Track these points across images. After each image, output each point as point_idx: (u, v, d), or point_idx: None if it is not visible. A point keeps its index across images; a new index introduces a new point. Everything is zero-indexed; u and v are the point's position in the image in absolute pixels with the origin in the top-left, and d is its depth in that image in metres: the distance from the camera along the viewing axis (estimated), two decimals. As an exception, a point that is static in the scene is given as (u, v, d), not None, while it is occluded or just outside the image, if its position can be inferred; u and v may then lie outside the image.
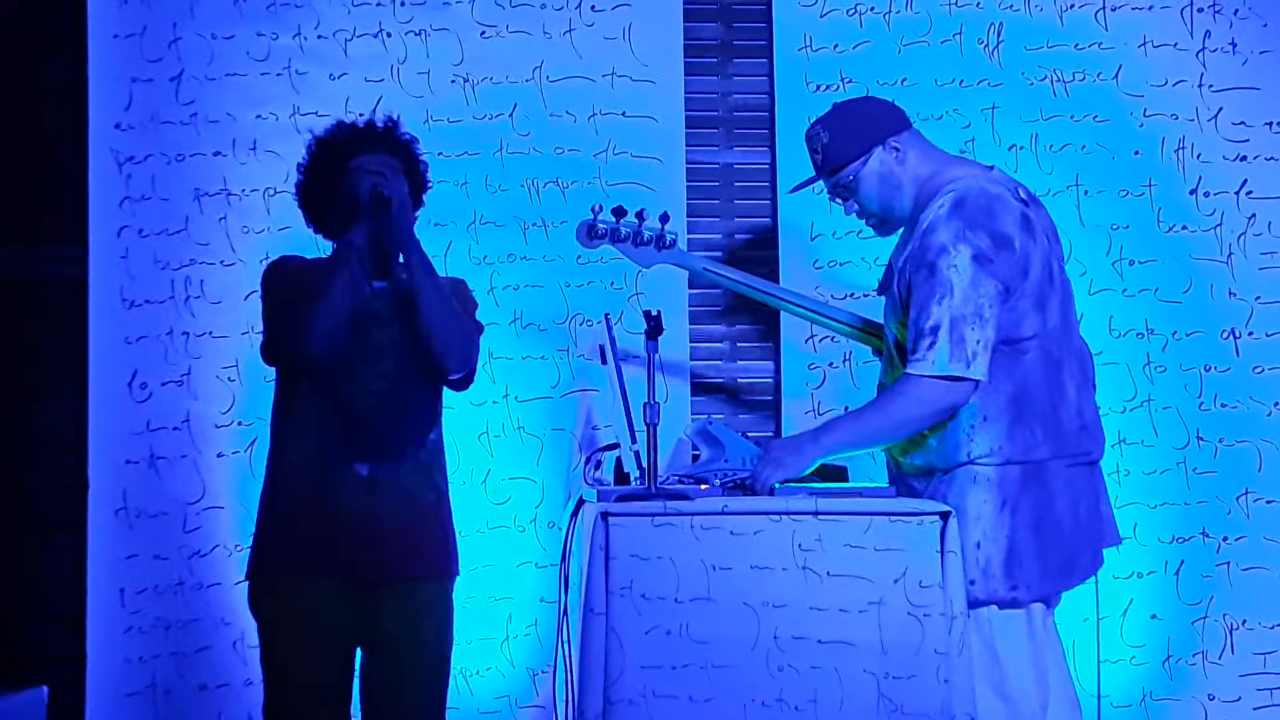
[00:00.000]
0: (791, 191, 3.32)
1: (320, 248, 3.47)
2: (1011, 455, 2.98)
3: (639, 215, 3.33)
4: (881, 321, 3.32)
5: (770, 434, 3.93)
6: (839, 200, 3.20)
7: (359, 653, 3.10)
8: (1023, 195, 3.10)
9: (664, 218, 3.35)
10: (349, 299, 3.00)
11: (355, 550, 3.01)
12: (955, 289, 2.94)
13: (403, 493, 3.05)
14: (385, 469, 3.03)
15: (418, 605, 3.06)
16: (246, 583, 3.11)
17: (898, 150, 3.11)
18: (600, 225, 3.32)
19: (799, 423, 3.88)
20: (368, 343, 3.06)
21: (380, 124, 3.17)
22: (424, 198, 3.24)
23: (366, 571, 3.02)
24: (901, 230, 3.18)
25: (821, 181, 3.21)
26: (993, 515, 2.96)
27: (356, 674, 3.11)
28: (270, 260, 3.22)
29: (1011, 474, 2.98)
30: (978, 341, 2.94)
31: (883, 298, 3.26)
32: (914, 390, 2.96)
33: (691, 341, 3.95)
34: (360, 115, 3.59)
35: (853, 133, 3.12)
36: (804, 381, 3.91)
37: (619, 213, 3.31)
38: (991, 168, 3.16)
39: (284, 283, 3.10)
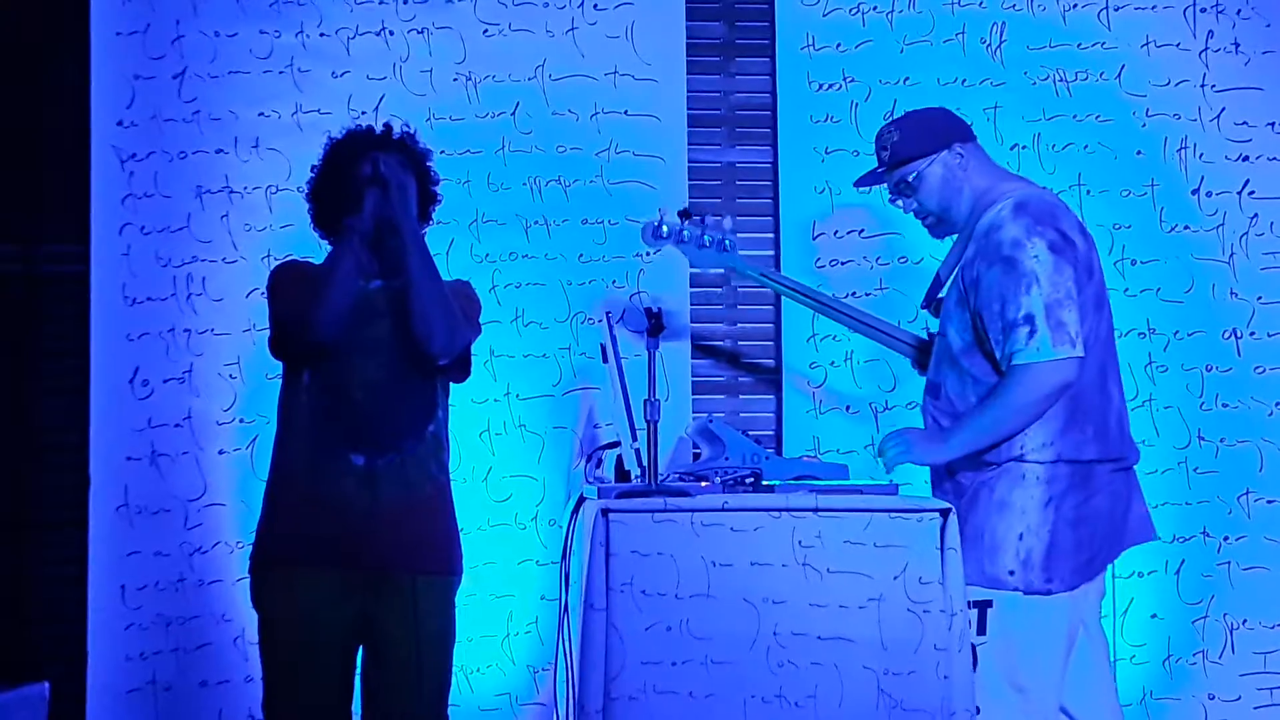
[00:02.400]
0: (856, 185, 3.36)
1: (323, 249, 3.48)
2: (1062, 453, 3.03)
3: (702, 220, 3.37)
4: (923, 335, 3.35)
5: (771, 432, 3.94)
6: (898, 200, 3.26)
7: (361, 651, 3.09)
8: (1071, 213, 3.18)
9: (725, 220, 3.39)
10: (355, 278, 3.02)
11: (351, 542, 3.01)
12: (1041, 276, 3.00)
13: (399, 484, 3.05)
14: (381, 460, 3.03)
15: (417, 600, 3.05)
16: (249, 577, 3.11)
17: (962, 156, 3.20)
18: (666, 226, 3.36)
19: (800, 421, 3.88)
20: (366, 336, 3.06)
21: (396, 132, 3.17)
22: (431, 212, 3.23)
23: (363, 563, 3.02)
24: (954, 238, 3.22)
25: (885, 179, 3.26)
26: (1038, 510, 3.01)
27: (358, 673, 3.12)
28: (278, 262, 3.22)
29: (1060, 472, 3.03)
30: (1076, 321, 3.00)
31: (926, 313, 3.32)
32: (1026, 378, 3.00)
33: (693, 339, 3.95)
34: (364, 114, 3.61)
35: (922, 133, 3.21)
36: (805, 380, 3.91)
37: (684, 215, 3.36)
38: (1045, 188, 3.23)
39: (293, 280, 3.10)
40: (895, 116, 3.32)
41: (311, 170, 3.20)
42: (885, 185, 3.27)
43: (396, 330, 3.08)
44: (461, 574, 3.15)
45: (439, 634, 3.07)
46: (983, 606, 2.96)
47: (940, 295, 3.24)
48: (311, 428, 3.05)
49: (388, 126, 3.19)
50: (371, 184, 3.05)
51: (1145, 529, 3.18)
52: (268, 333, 3.14)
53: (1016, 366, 3.01)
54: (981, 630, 2.96)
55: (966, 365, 3.11)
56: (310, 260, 3.25)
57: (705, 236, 3.36)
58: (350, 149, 3.14)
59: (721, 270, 3.50)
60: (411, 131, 3.20)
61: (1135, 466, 3.16)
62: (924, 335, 3.42)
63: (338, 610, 3.01)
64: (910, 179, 3.20)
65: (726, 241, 3.37)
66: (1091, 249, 3.13)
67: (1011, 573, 2.98)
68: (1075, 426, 3.05)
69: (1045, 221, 3.05)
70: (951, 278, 3.18)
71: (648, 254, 3.86)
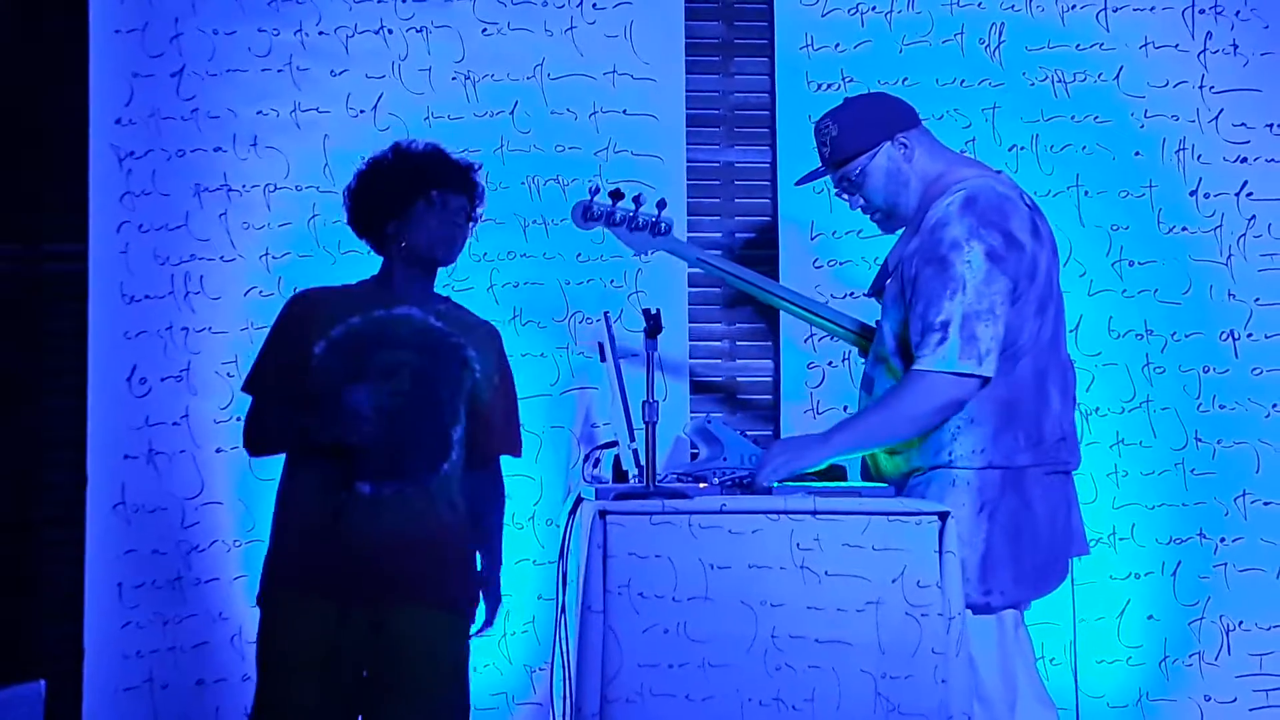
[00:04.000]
0: (798, 184, 3.30)
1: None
2: (993, 459, 2.96)
3: (636, 200, 3.30)
4: (871, 324, 3.30)
5: (769, 433, 3.94)
6: (844, 195, 3.18)
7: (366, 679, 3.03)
8: (1028, 202, 3.08)
9: (661, 204, 3.33)
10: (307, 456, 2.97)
11: (356, 570, 2.94)
12: (968, 284, 2.91)
13: (406, 516, 2.96)
14: (389, 488, 2.97)
15: (427, 635, 2.98)
16: (257, 607, 3.04)
17: (905, 147, 3.10)
18: (596, 207, 3.29)
19: (798, 422, 3.88)
20: (381, 361, 2.99)
21: (463, 165, 3.10)
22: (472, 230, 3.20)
23: (367, 593, 2.94)
24: (902, 230, 3.17)
25: (828, 175, 3.19)
26: (970, 519, 2.94)
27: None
28: (296, 293, 3.11)
29: (991, 478, 2.97)
30: (991, 339, 2.91)
31: (873, 299, 3.25)
32: (923, 385, 2.93)
33: (691, 340, 3.95)
34: (363, 113, 3.58)
35: (862, 127, 3.10)
36: (803, 380, 3.91)
37: (616, 195, 3.28)
38: (999, 172, 3.15)
39: (290, 323, 3.02)
40: (833, 107, 3.21)
41: (366, 164, 3.09)
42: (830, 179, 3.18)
43: (416, 361, 3.00)
44: (473, 615, 3.11)
45: (450, 670, 3.01)
46: None
47: (889, 284, 3.14)
48: (319, 453, 2.99)
49: (462, 161, 3.09)
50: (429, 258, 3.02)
51: (1081, 541, 3.10)
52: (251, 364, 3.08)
53: (915, 372, 2.92)
54: None
55: (896, 365, 3.04)
56: (327, 287, 3.12)
57: (639, 218, 3.28)
58: (420, 171, 3.04)
59: (669, 263, 3.39)
60: (478, 165, 3.12)
61: (1074, 473, 3.09)
62: (871, 324, 3.36)
63: (341, 639, 2.93)
64: (854, 176, 3.11)
65: (662, 224, 3.29)
66: (1043, 248, 3.01)
67: None
68: (1008, 433, 2.97)
69: (991, 222, 2.95)
70: (897, 269, 3.08)
71: (646, 254, 3.85)
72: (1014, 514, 2.97)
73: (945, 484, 2.97)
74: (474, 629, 3.13)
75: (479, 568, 3.14)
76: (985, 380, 2.93)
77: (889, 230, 3.20)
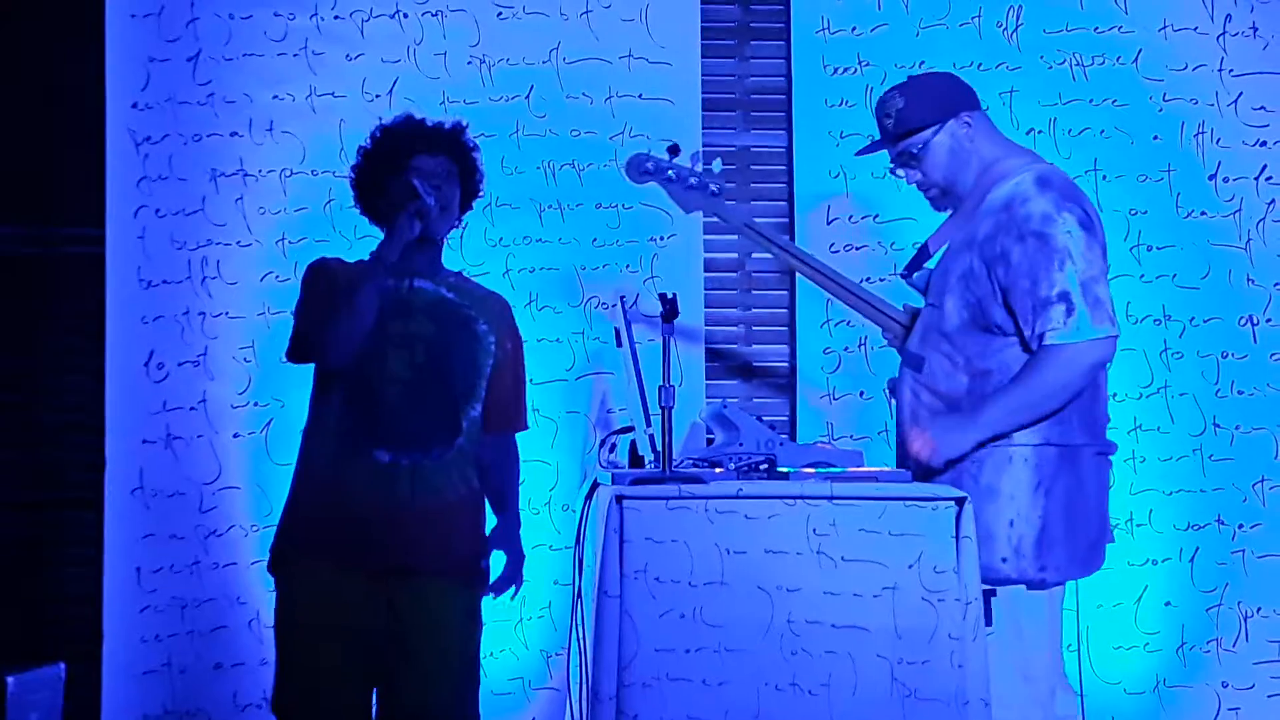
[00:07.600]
0: (859, 154, 3.29)
1: (351, 247, 3.47)
2: (1050, 437, 2.98)
3: (692, 157, 3.27)
4: (900, 307, 3.29)
5: (785, 418, 3.93)
6: (900, 171, 3.16)
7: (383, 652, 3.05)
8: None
9: (717, 165, 3.30)
10: (374, 313, 2.96)
11: (371, 540, 2.96)
12: (1074, 253, 2.94)
13: (423, 487, 2.99)
14: (406, 459, 2.99)
15: (441, 605, 3.00)
16: (272, 572, 3.07)
17: (969, 126, 3.10)
18: (652, 162, 3.26)
19: (813, 407, 3.87)
20: (397, 332, 2.99)
21: (447, 126, 3.12)
22: (471, 205, 3.20)
23: (383, 562, 2.97)
24: (948, 214, 3.16)
25: (888, 148, 3.16)
26: (1028, 495, 2.97)
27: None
28: (313, 261, 3.15)
29: (1048, 455, 2.98)
30: (1109, 298, 2.95)
31: (905, 281, 3.24)
32: (1063, 358, 2.93)
33: (707, 325, 3.94)
34: (378, 97, 3.60)
35: (929, 101, 3.10)
36: (819, 365, 3.91)
37: (673, 151, 3.25)
38: (1052, 164, 3.16)
39: (319, 286, 3.05)
40: (899, 82, 3.21)
41: (357, 153, 3.13)
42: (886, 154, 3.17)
43: (432, 333, 3.03)
44: (486, 584, 3.13)
45: (462, 639, 3.04)
46: (985, 596, 2.89)
47: (928, 266, 3.15)
48: (338, 421, 3.01)
49: (439, 123, 3.11)
50: (411, 207, 2.99)
51: (1109, 528, 3.12)
52: (290, 335, 3.10)
53: (1052, 346, 2.93)
54: (988, 621, 2.92)
55: (960, 343, 3.04)
56: (342, 259, 3.17)
57: (691, 178, 3.26)
58: (399, 143, 3.08)
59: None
60: (463, 125, 3.14)
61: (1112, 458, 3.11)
62: (899, 306, 3.31)
63: (356, 608, 2.96)
64: (916, 150, 3.10)
65: (713, 186, 3.26)
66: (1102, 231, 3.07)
67: (1004, 560, 2.94)
68: (1064, 413, 2.98)
69: (1072, 198, 3.00)
70: (943, 250, 3.09)
71: (662, 239, 3.85)
72: (1069, 492, 2.99)
73: (1002, 461, 2.98)
74: (502, 595, 3.14)
75: (496, 525, 3.16)
76: (1116, 338, 2.95)
77: (941, 208, 3.18)
